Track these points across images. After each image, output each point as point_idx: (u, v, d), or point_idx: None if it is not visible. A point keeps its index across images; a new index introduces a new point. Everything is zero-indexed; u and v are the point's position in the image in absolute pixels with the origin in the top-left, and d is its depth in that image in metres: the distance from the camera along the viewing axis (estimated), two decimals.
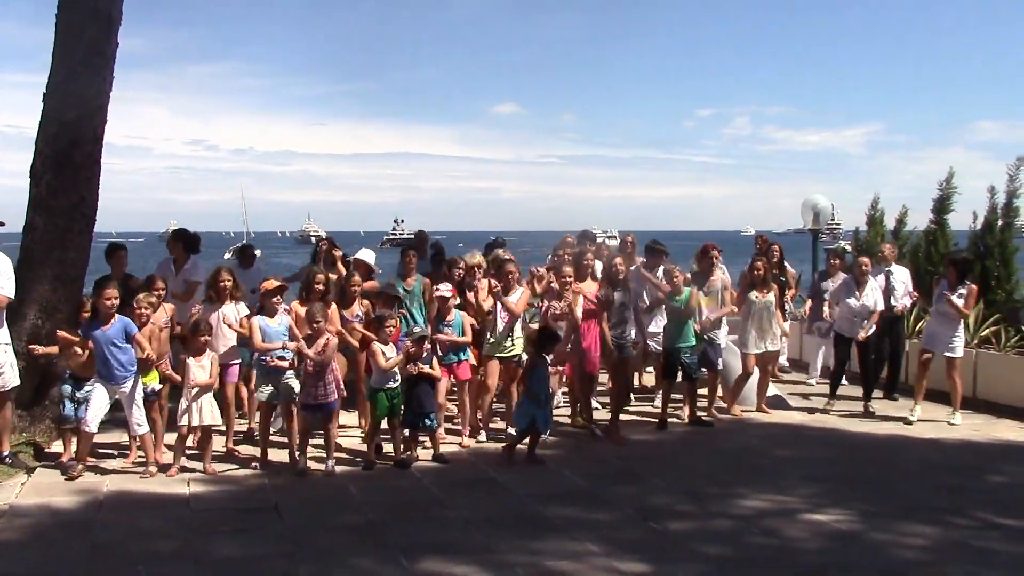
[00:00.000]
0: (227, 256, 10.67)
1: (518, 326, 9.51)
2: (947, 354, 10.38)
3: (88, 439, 8.06)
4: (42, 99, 9.42)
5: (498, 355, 9.42)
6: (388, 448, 8.66)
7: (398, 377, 8.43)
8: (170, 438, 8.56)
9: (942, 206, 15.30)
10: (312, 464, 8.26)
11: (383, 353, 8.38)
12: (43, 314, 9.02)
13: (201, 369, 8.23)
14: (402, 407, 8.49)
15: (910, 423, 10.30)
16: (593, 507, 7.24)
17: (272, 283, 8.66)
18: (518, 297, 9.49)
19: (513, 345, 9.46)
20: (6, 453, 8.13)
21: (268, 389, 8.34)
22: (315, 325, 8.21)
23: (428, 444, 8.73)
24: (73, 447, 8.27)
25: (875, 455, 9.10)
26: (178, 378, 8.36)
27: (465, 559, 6.01)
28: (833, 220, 21.37)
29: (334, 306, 8.97)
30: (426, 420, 8.51)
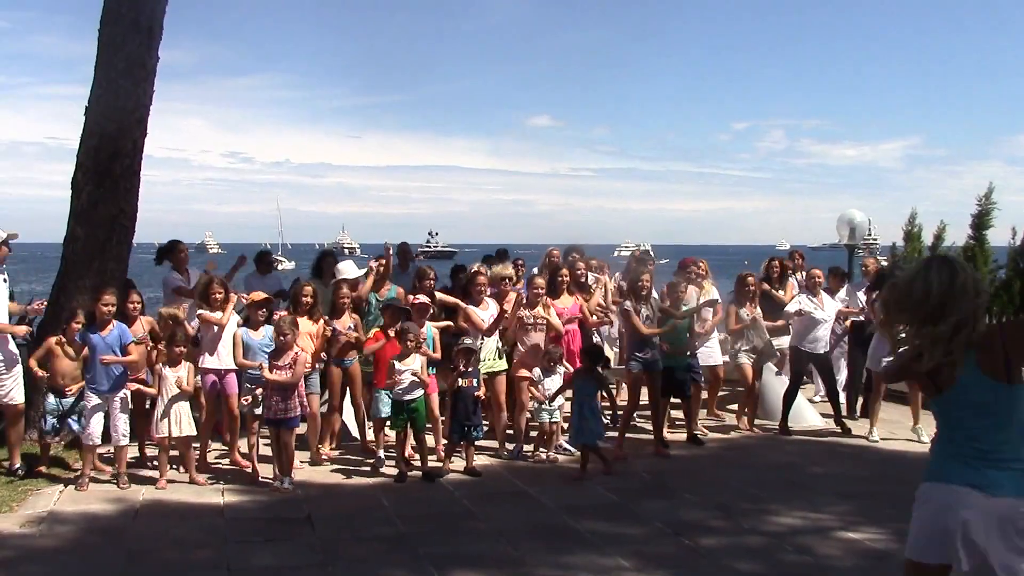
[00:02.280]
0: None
1: (493, 341, 9.36)
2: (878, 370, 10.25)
3: (92, 452, 8.04)
4: (84, 112, 9.59)
5: None
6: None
7: (419, 390, 8.40)
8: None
9: (981, 222, 15.13)
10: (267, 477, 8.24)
11: (396, 367, 8.34)
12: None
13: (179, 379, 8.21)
14: (420, 418, 8.46)
15: (874, 441, 10.19)
16: (624, 521, 7.22)
17: (258, 295, 8.67)
18: (489, 312, 9.35)
19: (493, 361, 9.30)
20: (17, 465, 8.20)
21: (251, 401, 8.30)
22: (282, 339, 8.09)
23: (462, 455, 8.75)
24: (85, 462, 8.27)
25: (911, 473, 8.94)
26: (152, 390, 8.29)
27: (496, 572, 6.04)
28: (870, 235, 21.08)
29: (321, 322, 8.92)
30: (472, 431, 8.56)
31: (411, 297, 9.20)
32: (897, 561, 6.27)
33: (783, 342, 11.18)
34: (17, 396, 8.25)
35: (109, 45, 9.54)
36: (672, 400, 10.25)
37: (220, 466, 8.78)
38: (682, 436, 10.16)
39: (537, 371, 9.11)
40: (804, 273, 12.01)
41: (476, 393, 8.59)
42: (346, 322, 9.10)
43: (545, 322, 9.43)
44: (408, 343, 8.40)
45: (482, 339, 9.25)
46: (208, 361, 8.60)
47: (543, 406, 9.04)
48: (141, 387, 8.33)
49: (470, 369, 8.60)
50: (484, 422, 9.03)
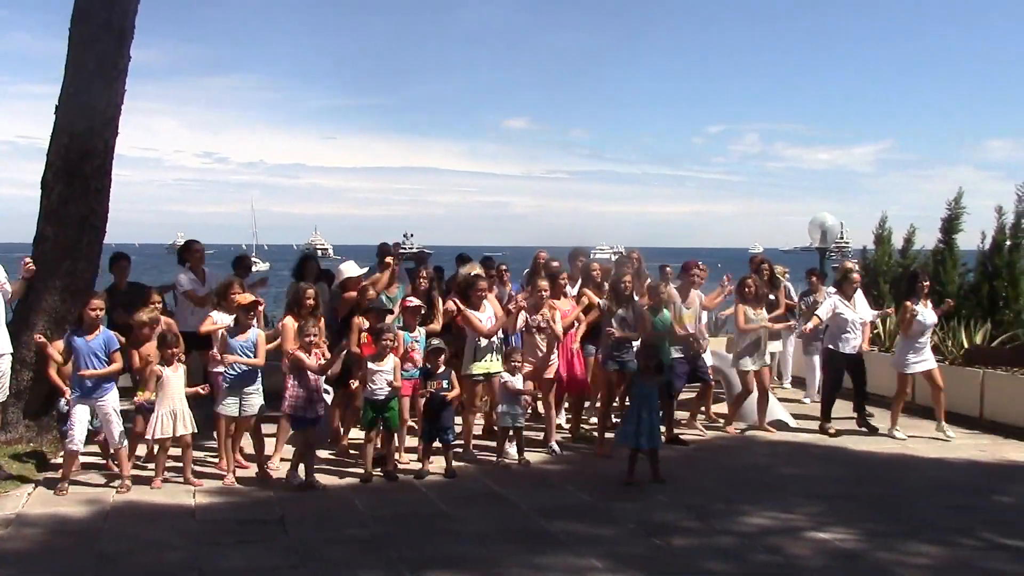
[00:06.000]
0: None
1: (492, 342, 9.33)
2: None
3: (73, 457, 7.92)
4: (54, 111, 9.49)
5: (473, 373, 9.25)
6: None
7: (387, 389, 8.40)
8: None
9: (950, 226, 15.32)
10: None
11: (368, 367, 8.36)
12: (52, 325, 9.05)
13: (177, 379, 8.19)
14: (394, 419, 8.50)
15: (901, 440, 10.43)
16: (597, 522, 7.24)
17: (245, 298, 8.61)
18: (487, 315, 9.34)
19: (489, 363, 9.28)
20: None
21: (233, 402, 8.21)
22: (307, 340, 8.14)
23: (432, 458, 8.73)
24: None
25: (881, 474, 9.08)
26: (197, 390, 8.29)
27: (469, 573, 6.04)
28: (841, 238, 21.30)
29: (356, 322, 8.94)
30: (443, 434, 8.54)
31: (403, 299, 9.26)
32: (866, 561, 6.37)
33: (775, 346, 11.29)
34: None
35: (80, 44, 9.46)
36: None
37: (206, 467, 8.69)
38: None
39: (506, 374, 9.07)
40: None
41: (444, 395, 8.54)
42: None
43: (546, 325, 9.48)
44: (384, 344, 8.41)
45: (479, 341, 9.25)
46: (216, 365, 8.63)
47: (507, 409, 8.97)
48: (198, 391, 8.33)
49: (440, 371, 8.59)
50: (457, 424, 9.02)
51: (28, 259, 8.44)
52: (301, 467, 8.18)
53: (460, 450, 9.15)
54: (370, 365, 8.38)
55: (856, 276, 11.03)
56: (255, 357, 8.27)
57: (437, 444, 8.65)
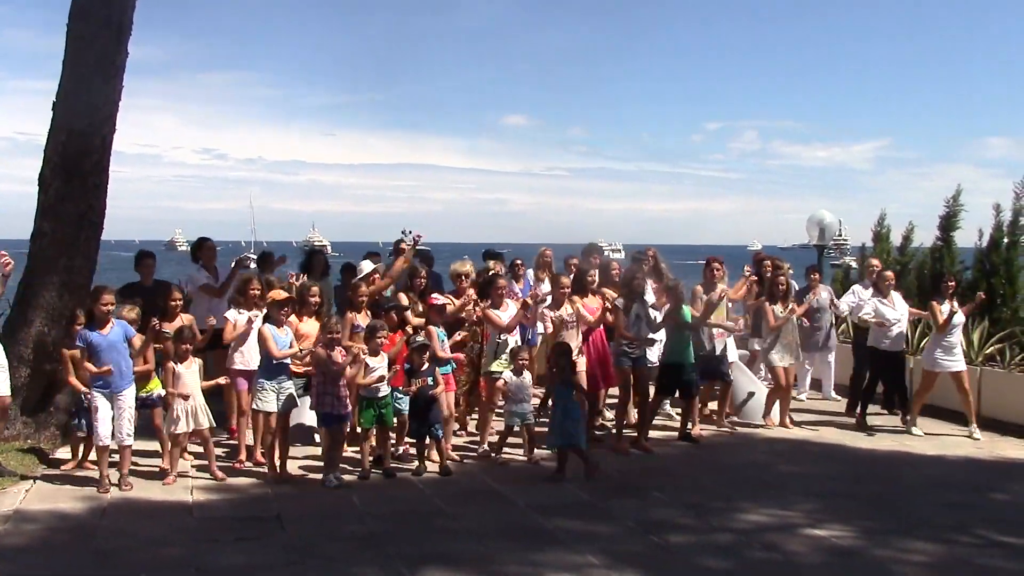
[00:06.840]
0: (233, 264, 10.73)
1: (515, 340, 9.34)
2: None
3: (106, 452, 7.88)
4: (52, 107, 9.48)
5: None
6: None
7: (387, 386, 8.44)
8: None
9: (948, 223, 15.33)
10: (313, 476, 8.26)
11: (367, 365, 8.37)
12: (49, 321, 9.05)
13: (191, 375, 8.22)
14: (394, 417, 8.55)
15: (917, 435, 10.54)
16: (595, 520, 7.25)
17: (280, 294, 8.61)
18: (508, 313, 9.35)
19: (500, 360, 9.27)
20: None
21: (272, 398, 8.18)
22: (330, 337, 8.16)
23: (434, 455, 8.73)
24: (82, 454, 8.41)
25: (878, 471, 9.09)
26: (172, 390, 8.22)
27: (466, 570, 6.04)
28: (840, 236, 21.32)
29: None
30: (431, 430, 8.53)
31: (429, 297, 9.25)
32: (864, 558, 6.38)
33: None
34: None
35: (78, 41, 9.43)
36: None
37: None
38: (668, 435, 10.24)
39: (508, 373, 9.06)
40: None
41: (432, 392, 8.54)
42: (362, 319, 9.08)
43: (575, 320, 9.49)
44: (378, 340, 8.41)
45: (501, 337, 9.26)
46: (238, 362, 8.67)
47: (515, 408, 8.97)
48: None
49: (424, 367, 8.58)
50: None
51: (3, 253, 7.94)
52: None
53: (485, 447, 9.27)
54: (368, 362, 8.37)
55: (890, 274, 11.24)
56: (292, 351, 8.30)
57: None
